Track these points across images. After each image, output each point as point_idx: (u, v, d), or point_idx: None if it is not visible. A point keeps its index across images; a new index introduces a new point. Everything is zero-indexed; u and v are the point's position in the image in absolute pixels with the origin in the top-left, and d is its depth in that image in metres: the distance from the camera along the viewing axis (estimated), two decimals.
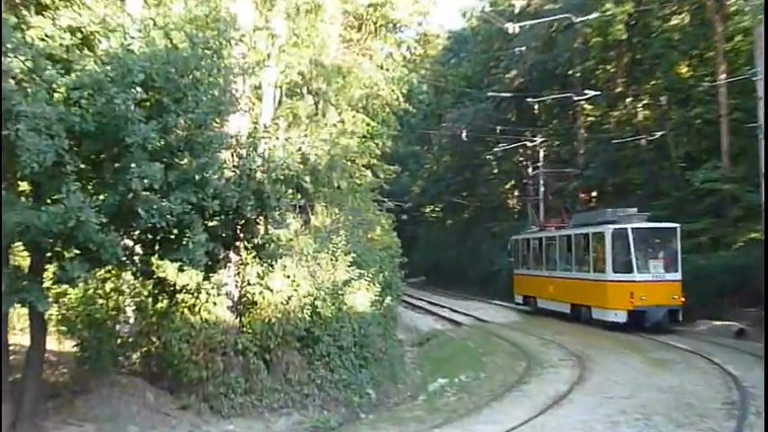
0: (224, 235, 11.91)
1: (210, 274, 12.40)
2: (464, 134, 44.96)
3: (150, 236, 10.88)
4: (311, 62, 20.74)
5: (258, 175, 11.89)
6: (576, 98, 36.71)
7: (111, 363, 13.07)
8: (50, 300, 10.69)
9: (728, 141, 30.56)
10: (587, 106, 43.40)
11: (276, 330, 14.28)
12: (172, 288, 12.77)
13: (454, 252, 59.98)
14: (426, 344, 26.09)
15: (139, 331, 13.68)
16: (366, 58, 25.97)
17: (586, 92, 35.01)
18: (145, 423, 12.17)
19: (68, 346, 13.51)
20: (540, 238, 34.86)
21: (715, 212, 30.16)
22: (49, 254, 9.92)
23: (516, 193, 59.92)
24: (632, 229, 26.23)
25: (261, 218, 12.38)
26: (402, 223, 63.85)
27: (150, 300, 13.21)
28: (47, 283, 10.16)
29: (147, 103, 9.94)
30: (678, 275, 25.93)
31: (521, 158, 54.74)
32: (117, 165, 9.56)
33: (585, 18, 30.34)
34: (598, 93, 36.25)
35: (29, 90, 8.65)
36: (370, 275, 17.64)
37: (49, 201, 8.91)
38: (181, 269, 11.41)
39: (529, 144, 44.62)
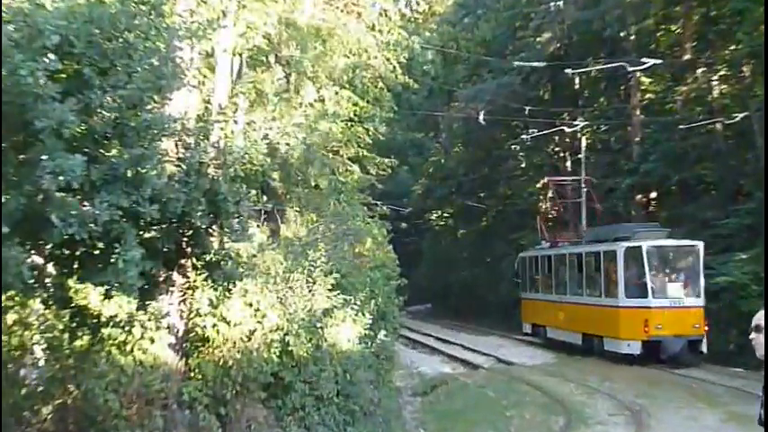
0: (165, 250, 11.79)
1: (147, 302, 12.27)
2: (482, 117, 45.00)
3: (67, 251, 10.76)
4: (280, 22, 20.73)
5: (211, 170, 11.80)
6: (630, 69, 36.68)
7: (15, 420, 12.94)
8: None
9: None
10: (645, 79, 43.51)
11: (234, 376, 14.17)
12: (95, 320, 12.63)
13: (468, 271, 60.16)
14: (432, 393, 26.08)
15: (52, 377, 13.53)
16: (353, 16, 26.03)
17: (644, 60, 35.00)
18: None
19: None
20: (548, 256, 37.75)
21: None
22: None
23: (550, 193, 59.92)
24: (647, 246, 28.50)
25: (214, 227, 12.27)
26: (401, 234, 64.02)
27: (66, 335, 13.07)
28: None
29: (64, 76, 9.84)
30: (700, 301, 28.52)
31: (556, 148, 54.90)
32: (22, 157, 9.45)
33: None
34: (659, 61, 36.25)
35: None
36: (359, 302, 17.60)
37: None
38: (107, 295, 11.27)
39: (567, 129, 44.63)
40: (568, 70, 39.31)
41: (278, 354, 14.85)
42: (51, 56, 9.41)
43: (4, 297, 11.77)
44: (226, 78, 18.79)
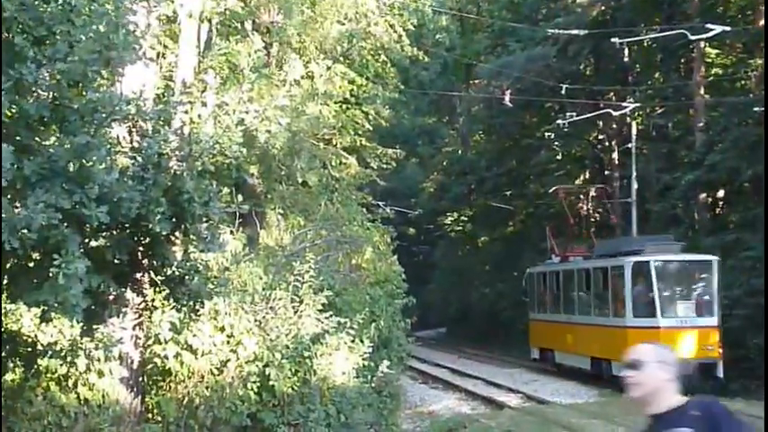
0: (116, 262, 11.76)
1: (94, 326, 12.26)
2: (508, 97, 45.01)
3: None
4: None
5: (173, 164, 11.79)
6: (692, 37, 36.58)
7: None
8: None
9: None
10: (710, 50, 43.46)
11: (201, 417, 14.18)
12: (29, 349, 12.65)
13: (491, 288, 60.32)
14: None
15: None
16: None
17: (709, 27, 34.90)
18: None
19: None
20: (558, 272, 40.62)
21: None
22: None
23: (593, 192, 59.93)
24: (655, 262, 31.04)
25: (177, 234, 12.25)
26: (408, 242, 63.91)
27: None
28: None
29: None
30: (714, 320, 30.91)
31: (600, 136, 54.89)
32: None
33: None
34: (728, 28, 36.18)
35: None
36: (356, 326, 17.61)
37: None
38: (44, 318, 11.25)
39: (614, 113, 44.63)
40: (615, 39, 39.20)
41: (256, 390, 14.86)
42: None
43: None
44: (192, 50, 18.71)
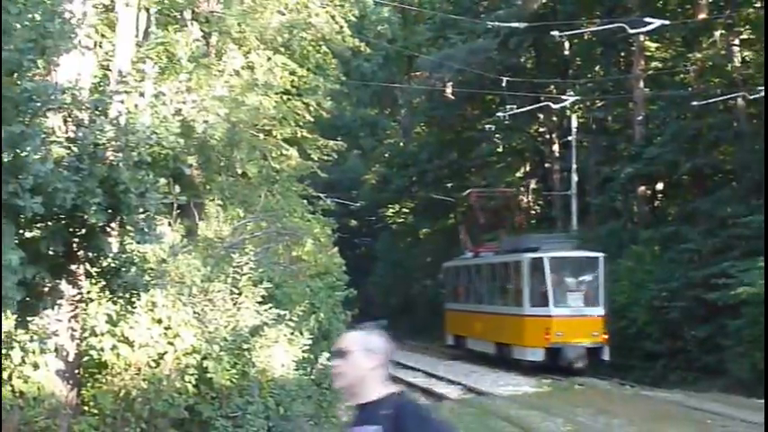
0: (51, 253, 11.66)
1: (29, 318, 12.14)
2: (449, 89, 45.17)
3: None
4: None
5: (109, 154, 11.68)
6: (631, 30, 36.86)
7: None
8: None
9: None
10: (650, 44, 43.81)
11: (138, 410, 14.08)
12: None
13: (432, 280, 60.32)
14: None
15: None
16: None
17: (648, 20, 35.18)
18: None
19: None
20: (469, 267, 45.41)
21: None
22: None
23: (533, 184, 60.34)
24: (549, 258, 35.80)
25: (113, 225, 12.15)
26: (350, 233, 63.93)
27: None
28: None
29: None
30: (600, 310, 35.60)
31: (541, 129, 55.19)
32: None
33: None
34: (667, 22, 36.50)
35: None
36: (296, 318, 17.58)
37: None
38: None
39: (554, 106, 44.97)
40: (556, 32, 39.55)
41: (194, 383, 14.76)
42: None
43: None
44: (129, 39, 18.57)
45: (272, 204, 23.76)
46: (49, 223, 11.41)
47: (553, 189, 51.59)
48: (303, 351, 17.51)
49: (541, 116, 51.45)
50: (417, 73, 63.19)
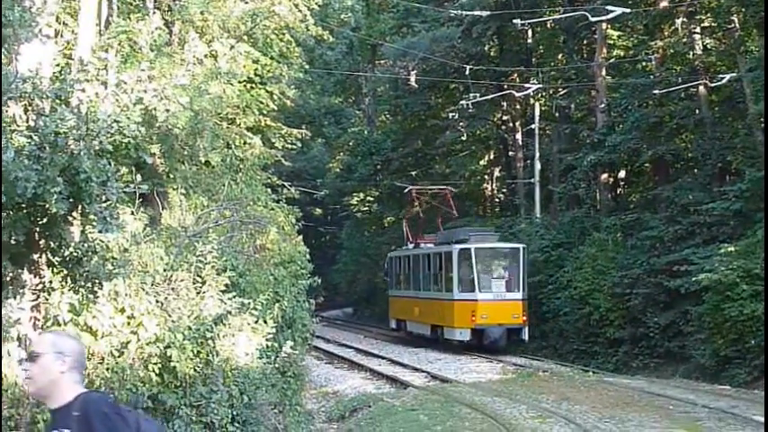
0: (12, 242, 11.59)
1: None
2: (413, 78, 45.15)
3: None
4: None
5: (71, 143, 11.59)
6: (592, 18, 36.95)
7: None
8: None
9: None
10: (612, 32, 43.93)
11: None
12: None
13: None
14: (352, 418, 26.04)
15: None
16: None
17: (610, 8, 35.21)
18: None
19: None
20: (409, 256, 49.16)
21: None
22: None
23: (497, 173, 60.42)
24: (475, 248, 39.89)
25: (75, 214, 12.06)
26: (314, 222, 63.74)
27: None
28: None
29: None
30: (520, 295, 39.82)
31: (504, 117, 55.25)
32: None
33: None
34: (628, 10, 36.54)
35: None
36: (260, 307, 17.50)
37: None
38: None
39: (517, 94, 45.08)
40: (518, 21, 39.45)
41: (157, 371, 14.69)
42: None
43: None
44: (91, 27, 18.45)
45: (235, 193, 23.64)
46: (10, 212, 11.32)
47: (517, 177, 51.68)
48: (267, 339, 17.44)
49: (505, 104, 51.54)
50: (381, 61, 63.17)
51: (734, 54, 36.41)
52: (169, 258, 16.24)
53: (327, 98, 74.80)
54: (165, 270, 15.96)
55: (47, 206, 11.18)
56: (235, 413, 15.65)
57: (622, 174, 44.60)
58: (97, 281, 12.58)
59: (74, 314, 14.09)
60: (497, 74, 46.06)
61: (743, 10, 35.99)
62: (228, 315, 16.22)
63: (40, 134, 11.48)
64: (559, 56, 51.24)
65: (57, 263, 12.42)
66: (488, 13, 41.34)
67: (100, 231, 12.65)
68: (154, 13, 21.14)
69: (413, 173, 61.90)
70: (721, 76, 34.90)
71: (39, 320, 14.33)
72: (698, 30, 39.17)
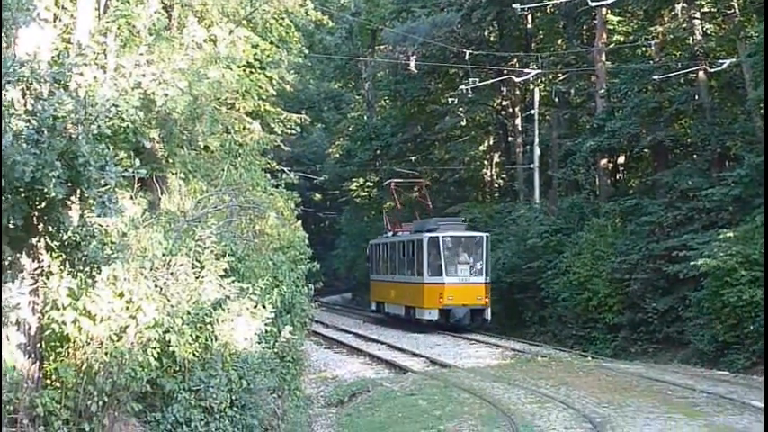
0: (11, 226, 11.57)
1: None
2: (413, 63, 45.07)
3: None
4: None
5: (69, 127, 11.57)
6: (592, 3, 36.86)
7: None
8: None
9: None
10: (612, 17, 43.83)
11: (101, 383, 13.98)
12: None
13: None
14: (351, 403, 26.07)
15: None
16: None
17: None
18: None
19: None
20: (387, 244, 53.81)
21: None
22: None
23: (496, 158, 60.36)
24: (443, 237, 44.07)
25: (73, 198, 12.06)
26: (313, 207, 63.79)
27: None
28: None
29: None
30: (482, 278, 43.92)
31: (504, 102, 55.18)
32: None
33: None
34: None
35: None
36: (259, 292, 17.49)
37: None
38: None
39: (517, 79, 45.00)
40: (518, 6, 39.39)
41: (156, 356, 14.67)
42: None
43: None
44: (90, 11, 18.39)
45: (234, 178, 23.62)
46: (9, 196, 11.31)
47: (516, 162, 51.65)
48: (266, 324, 17.42)
49: (504, 89, 51.46)
50: (381, 46, 63.02)
51: (734, 39, 36.34)
52: (168, 243, 16.21)
53: (327, 83, 74.72)
54: (163, 255, 15.93)
55: (45, 190, 11.18)
56: (234, 398, 15.66)
57: (622, 159, 44.54)
58: (96, 265, 12.58)
59: (72, 298, 14.05)
60: (497, 59, 45.96)
61: None
62: (227, 300, 16.21)
63: (39, 118, 11.47)
64: (559, 41, 51.15)
65: (55, 247, 12.42)
66: None
67: (98, 216, 12.65)
68: None
69: (412, 158, 61.86)
70: (721, 61, 34.85)
71: (38, 305, 14.32)
72: (698, 15, 39.05)
